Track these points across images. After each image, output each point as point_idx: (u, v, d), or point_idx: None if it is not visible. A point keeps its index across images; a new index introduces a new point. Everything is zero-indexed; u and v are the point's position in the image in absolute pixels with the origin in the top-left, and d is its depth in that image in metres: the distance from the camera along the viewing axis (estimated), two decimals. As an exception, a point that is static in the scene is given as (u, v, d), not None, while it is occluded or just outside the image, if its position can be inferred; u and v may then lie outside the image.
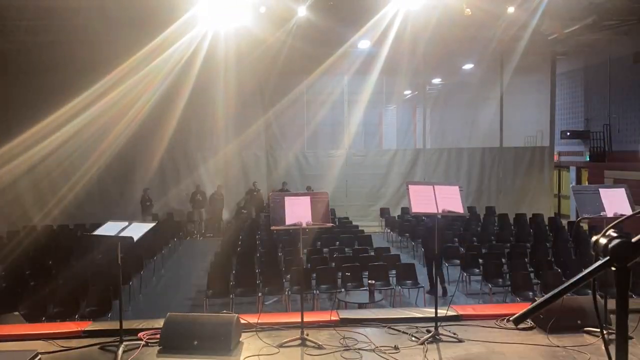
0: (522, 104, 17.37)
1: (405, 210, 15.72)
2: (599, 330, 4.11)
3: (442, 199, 4.39)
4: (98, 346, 4.17)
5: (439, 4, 11.23)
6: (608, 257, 1.37)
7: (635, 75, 15.73)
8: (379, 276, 8.45)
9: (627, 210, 4.40)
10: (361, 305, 6.80)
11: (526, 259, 9.45)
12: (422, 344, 4.14)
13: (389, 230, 14.59)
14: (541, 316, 4.35)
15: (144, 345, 4.12)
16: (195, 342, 3.99)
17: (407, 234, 13.22)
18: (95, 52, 14.82)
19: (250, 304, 8.22)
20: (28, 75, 15.28)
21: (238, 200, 16.60)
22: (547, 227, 13.31)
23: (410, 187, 4.54)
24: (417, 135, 17.53)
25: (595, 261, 1.40)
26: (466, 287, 9.55)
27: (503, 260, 9.40)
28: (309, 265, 9.05)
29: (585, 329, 4.33)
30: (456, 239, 11.63)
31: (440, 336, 4.23)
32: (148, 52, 12.80)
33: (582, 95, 18.86)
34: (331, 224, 4.89)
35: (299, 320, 4.28)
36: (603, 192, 4.55)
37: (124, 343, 4.05)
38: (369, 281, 7.48)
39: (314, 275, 8.42)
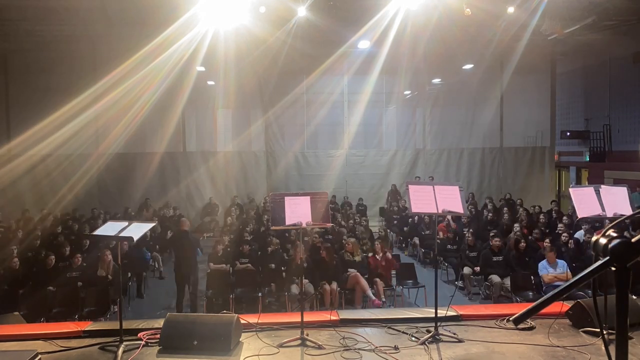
0: (522, 104, 17.37)
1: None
2: (599, 330, 4.11)
3: (442, 199, 4.39)
4: (98, 346, 4.17)
5: (439, 4, 11.22)
6: (608, 257, 1.37)
7: (635, 75, 15.72)
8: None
9: (627, 210, 4.39)
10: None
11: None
12: (422, 344, 4.14)
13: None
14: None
15: (144, 345, 4.11)
16: (195, 342, 3.99)
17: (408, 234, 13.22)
18: (95, 52, 14.85)
19: (251, 304, 8.22)
20: (28, 75, 15.29)
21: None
22: (547, 227, 13.29)
23: (410, 187, 4.54)
24: (417, 135, 17.52)
25: (595, 261, 1.40)
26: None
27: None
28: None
29: (585, 329, 4.34)
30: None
31: (440, 336, 4.23)
32: (148, 51, 12.79)
33: (581, 96, 18.85)
34: (331, 224, 4.89)
35: (299, 320, 4.28)
36: (603, 192, 4.54)
37: (124, 343, 4.05)
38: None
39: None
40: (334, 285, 8.06)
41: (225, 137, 16.74)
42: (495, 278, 8.43)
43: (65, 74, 14.76)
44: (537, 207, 13.84)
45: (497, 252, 8.88)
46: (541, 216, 12.29)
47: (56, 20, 12.63)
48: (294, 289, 7.97)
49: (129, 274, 9.03)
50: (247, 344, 4.18)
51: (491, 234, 9.54)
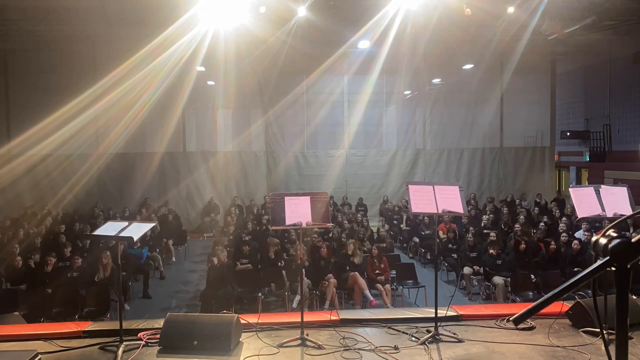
0: (522, 104, 17.36)
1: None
2: (599, 330, 4.11)
3: (442, 199, 4.39)
4: (98, 346, 4.17)
5: (439, 4, 11.22)
6: (608, 257, 1.37)
7: (635, 75, 15.73)
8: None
9: (627, 210, 4.38)
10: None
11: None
12: (422, 344, 4.14)
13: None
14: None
15: (144, 345, 4.11)
16: (195, 342, 3.99)
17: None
18: (95, 52, 14.85)
19: (251, 304, 8.22)
20: (28, 75, 15.29)
21: None
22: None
23: (410, 187, 4.55)
24: (417, 135, 17.52)
25: (595, 261, 1.40)
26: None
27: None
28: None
29: (585, 329, 4.34)
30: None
31: (440, 336, 4.23)
32: (148, 51, 12.79)
33: (581, 96, 18.85)
34: (331, 224, 4.89)
35: (299, 320, 4.28)
36: (603, 192, 4.53)
37: (124, 343, 4.05)
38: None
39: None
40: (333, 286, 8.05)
41: (225, 137, 16.73)
42: (497, 280, 8.39)
43: (65, 74, 14.76)
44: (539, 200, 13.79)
45: (496, 256, 8.87)
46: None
47: (56, 20, 12.63)
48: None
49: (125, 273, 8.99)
50: (247, 344, 4.18)
51: (491, 235, 9.53)
